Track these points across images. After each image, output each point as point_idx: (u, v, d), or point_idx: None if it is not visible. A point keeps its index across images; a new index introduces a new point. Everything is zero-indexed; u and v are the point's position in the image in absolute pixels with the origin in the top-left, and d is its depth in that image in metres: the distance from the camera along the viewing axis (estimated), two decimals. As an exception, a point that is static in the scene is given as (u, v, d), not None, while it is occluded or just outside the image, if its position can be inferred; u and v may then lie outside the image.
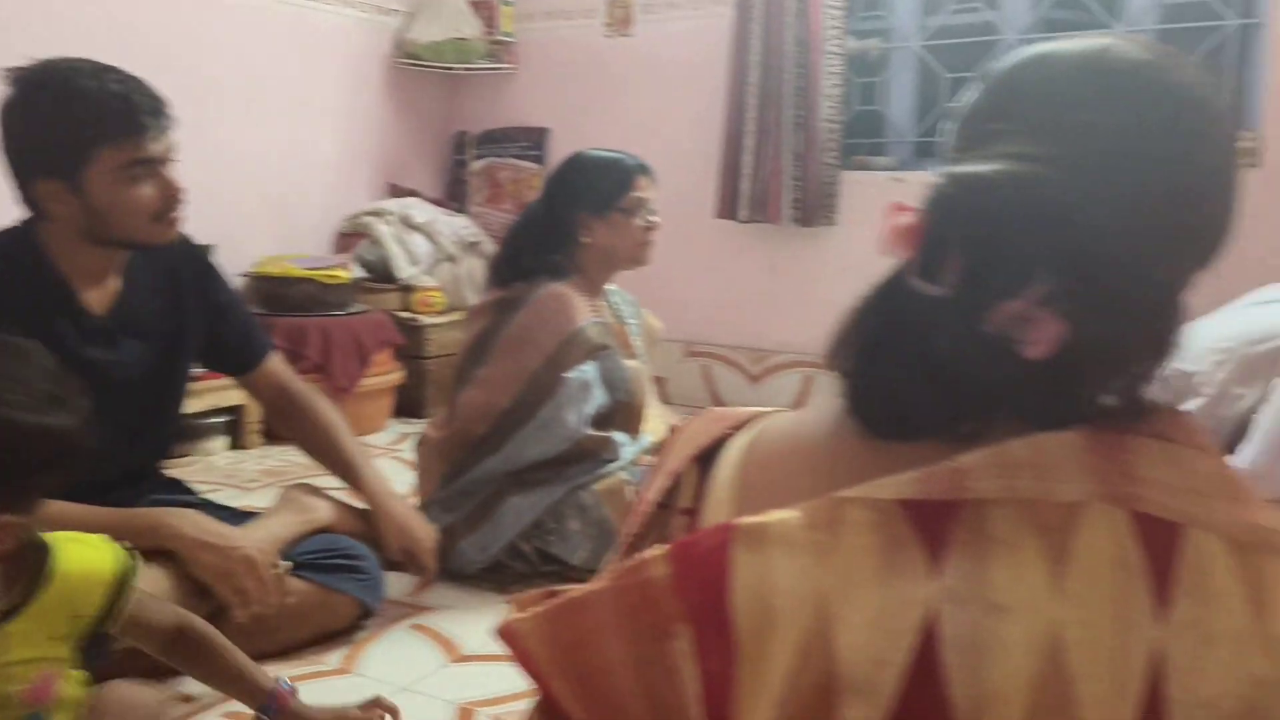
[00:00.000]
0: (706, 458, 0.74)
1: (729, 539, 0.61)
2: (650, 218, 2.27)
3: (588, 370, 2.15)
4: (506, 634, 0.67)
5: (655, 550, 0.63)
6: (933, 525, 0.58)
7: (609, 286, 2.40)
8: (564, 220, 2.23)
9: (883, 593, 0.57)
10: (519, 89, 4.30)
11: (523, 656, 0.67)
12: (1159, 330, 0.64)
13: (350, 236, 3.89)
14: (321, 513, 1.96)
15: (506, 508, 2.15)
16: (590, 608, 0.65)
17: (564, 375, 2.12)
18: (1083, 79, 0.63)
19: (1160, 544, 0.57)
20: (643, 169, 2.27)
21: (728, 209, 3.81)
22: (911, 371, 0.64)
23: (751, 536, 0.61)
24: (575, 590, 0.66)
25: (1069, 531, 0.57)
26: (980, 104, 0.68)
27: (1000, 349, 0.61)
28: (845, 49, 3.69)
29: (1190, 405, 2.44)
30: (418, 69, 4.17)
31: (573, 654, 0.65)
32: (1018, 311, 0.60)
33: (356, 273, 3.65)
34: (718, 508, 0.70)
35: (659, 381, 3.93)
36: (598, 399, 2.16)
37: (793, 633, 0.58)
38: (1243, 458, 2.35)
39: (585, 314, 2.19)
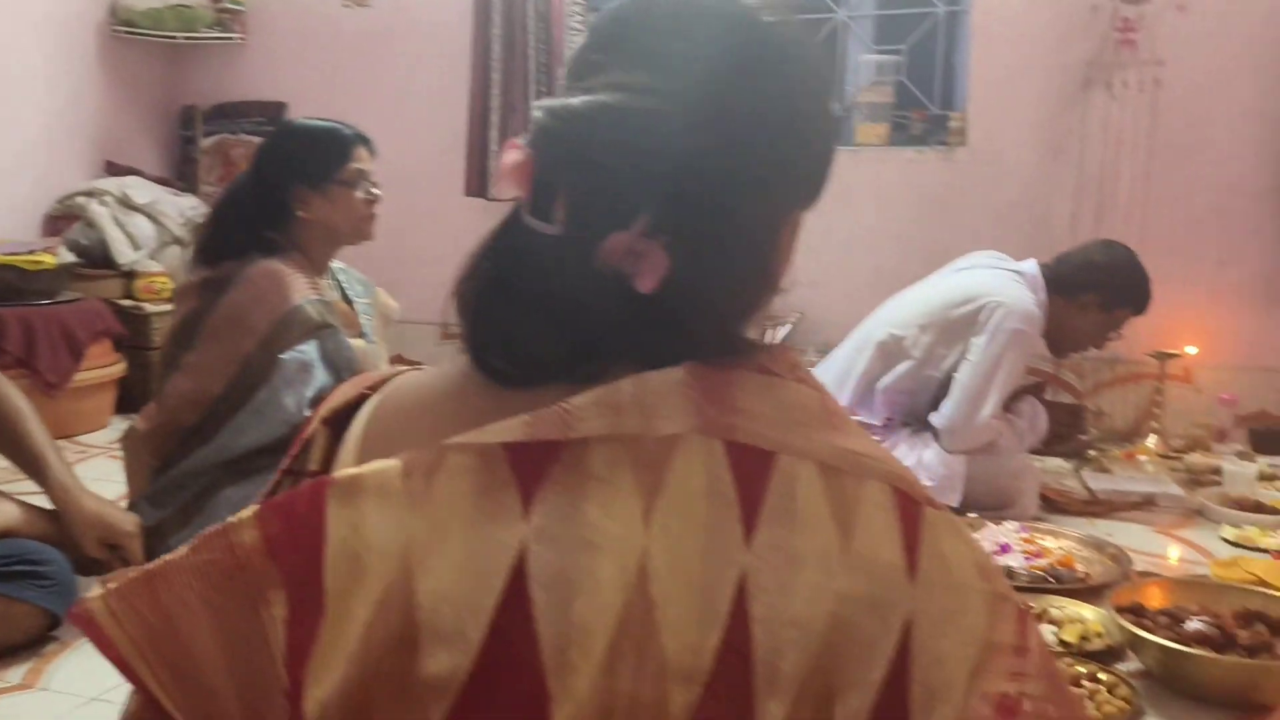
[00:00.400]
0: (343, 420, 0.71)
1: (323, 495, 0.58)
2: (372, 190, 2.18)
3: (307, 350, 2.04)
4: (79, 617, 0.61)
5: (244, 513, 0.59)
6: (532, 467, 0.57)
7: (336, 265, 2.30)
8: (277, 194, 2.10)
9: (474, 538, 0.56)
10: (251, 61, 4.07)
11: (100, 642, 0.60)
12: (759, 266, 0.65)
13: (61, 219, 3.57)
14: (1, 516, 1.78)
15: (221, 500, 2.02)
16: (171, 581, 0.59)
17: (280, 356, 2.01)
18: (676, 12, 0.64)
19: (752, 472, 0.58)
20: (361, 139, 2.18)
21: (477, 187, 3.75)
22: (531, 314, 0.63)
23: (346, 490, 0.58)
24: (155, 563, 0.60)
25: (665, 465, 0.57)
26: (588, 40, 0.67)
27: (614, 286, 0.60)
28: (588, 25, 3.70)
29: (901, 368, 2.61)
30: (136, 38, 3.87)
31: (156, 635, 0.59)
32: (626, 244, 0.60)
33: (67, 258, 3.34)
34: (343, 469, 0.66)
35: (411, 365, 3.83)
36: (319, 380, 2.06)
37: (376, 586, 0.55)
38: (941, 414, 2.54)
39: (303, 291, 2.07)
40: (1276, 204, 3.20)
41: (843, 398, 2.68)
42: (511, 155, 0.62)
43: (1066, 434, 2.81)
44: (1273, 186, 3.19)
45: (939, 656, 0.57)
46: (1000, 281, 2.58)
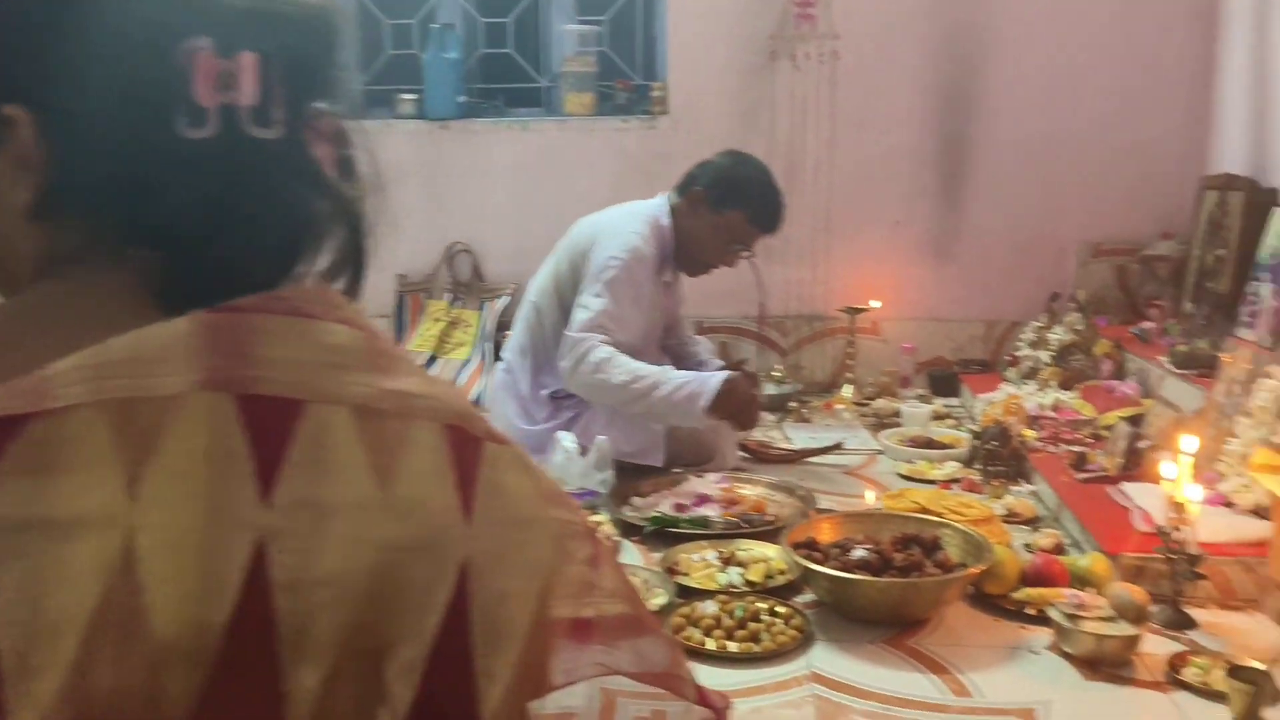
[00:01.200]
0: None
1: None
2: None
3: None
4: None
5: None
6: None
7: None
8: None
9: None
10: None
11: None
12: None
13: None
14: None
15: None
16: None
17: None
18: None
19: (273, 425, 0.53)
20: None
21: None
22: (260, 233, 0.59)
23: None
24: None
25: (159, 430, 0.52)
26: None
27: (323, 178, 0.60)
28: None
29: (554, 330, 2.64)
30: None
31: None
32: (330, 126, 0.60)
33: None
34: None
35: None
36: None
37: None
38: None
39: None
40: (940, 168, 3.50)
41: (528, 369, 2.70)
42: (246, 61, 0.56)
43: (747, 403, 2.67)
44: (937, 151, 3.49)
45: (501, 593, 0.56)
46: (606, 222, 2.63)
